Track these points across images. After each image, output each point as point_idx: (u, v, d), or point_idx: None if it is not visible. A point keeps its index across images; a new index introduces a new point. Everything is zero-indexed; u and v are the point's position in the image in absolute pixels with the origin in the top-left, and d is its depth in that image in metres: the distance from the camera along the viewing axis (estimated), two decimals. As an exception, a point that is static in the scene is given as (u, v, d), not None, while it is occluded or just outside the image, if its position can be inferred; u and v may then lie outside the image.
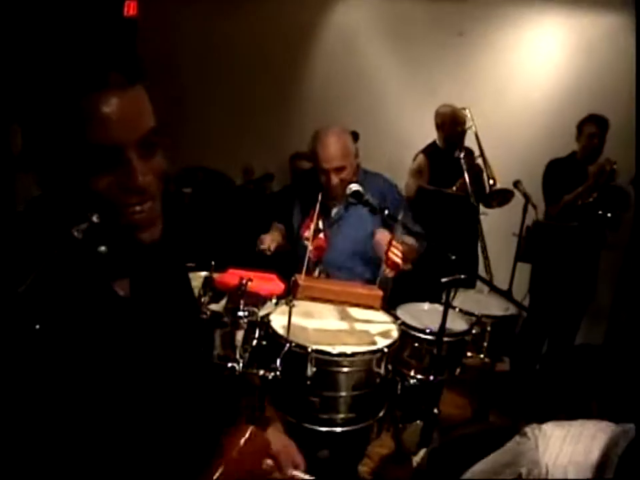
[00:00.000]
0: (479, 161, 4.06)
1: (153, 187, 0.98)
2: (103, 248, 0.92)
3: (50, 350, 0.90)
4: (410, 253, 2.63)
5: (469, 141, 4.18)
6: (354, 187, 2.44)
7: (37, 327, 0.84)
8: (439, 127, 4.29)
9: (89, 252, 0.92)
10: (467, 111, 4.13)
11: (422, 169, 4.27)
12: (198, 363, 1.27)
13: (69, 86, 0.90)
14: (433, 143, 4.35)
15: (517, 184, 3.79)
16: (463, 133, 4.18)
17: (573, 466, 1.12)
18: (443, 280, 2.24)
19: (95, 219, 0.89)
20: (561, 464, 1.13)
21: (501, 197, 3.87)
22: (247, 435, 1.20)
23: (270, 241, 2.81)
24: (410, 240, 2.69)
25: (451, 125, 4.21)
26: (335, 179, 2.70)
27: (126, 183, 0.94)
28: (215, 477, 1.10)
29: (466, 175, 3.89)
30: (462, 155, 4.04)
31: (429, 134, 4.35)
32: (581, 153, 3.96)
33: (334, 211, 2.86)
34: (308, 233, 2.80)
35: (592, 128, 3.90)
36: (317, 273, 2.83)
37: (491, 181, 3.86)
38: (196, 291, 2.29)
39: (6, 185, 4.00)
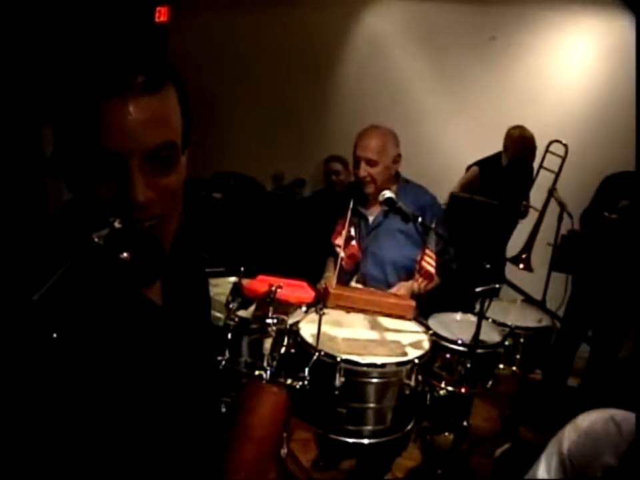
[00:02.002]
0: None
1: (156, 207, 0.93)
2: (125, 254, 0.86)
3: (74, 358, 0.86)
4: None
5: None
6: (387, 193, 2.41)
7: (55, 335, 0.80)
8: (506, 147, 4.20)
9: (110, 258, 0.87)
10: (562, 145, 3.75)
11: (474, 182, 4.20)
12: (212, 369, 1.24)
13: (86, 87, 0.87)
14: (494, 157, 4.26)
15: (552, 192, 3.71)
16: (529, 157, 4.07)
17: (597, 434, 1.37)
18: (478, 289, 2.19)
19: (116, 224, 0.85)
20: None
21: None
22: (271, 403, 1.15)
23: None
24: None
25: (516, 148, 4.12)
26: (364, 171, 2.72)
27: (125, 195, 0.89)
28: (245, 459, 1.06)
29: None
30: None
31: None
32: None
33: (371, 218, 2.83)
34: (339, 240, 2.76)
35: None
36: (353, 282, 2.78)
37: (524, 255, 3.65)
38: (224, 297, 2.27)
39: (36, 187, 4.04)
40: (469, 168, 4.29)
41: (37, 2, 4.58)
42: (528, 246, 3.58)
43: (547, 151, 3.78)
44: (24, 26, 4.51)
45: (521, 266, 3.51)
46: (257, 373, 2.10)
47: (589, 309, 3.77)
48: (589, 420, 1.40)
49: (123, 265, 0.87)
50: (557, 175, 3.69)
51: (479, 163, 4.24)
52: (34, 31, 4.54)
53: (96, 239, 0.83)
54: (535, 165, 3.92)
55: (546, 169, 3.77)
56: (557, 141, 3.75)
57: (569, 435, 1.41)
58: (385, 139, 2.76)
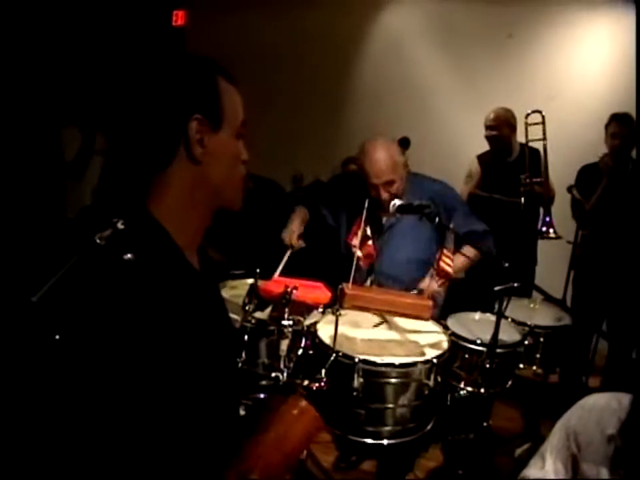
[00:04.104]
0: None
1: None
2: (129, 255, 0.85)
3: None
4: (465, 265, 2.66)
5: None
6: (397, 202, 2.42)
7: (57, 337, 0.78)
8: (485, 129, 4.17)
9: (113, 259, 0.85)
10: (540, 116, 3.82)
11: (472, 173, 4.17)
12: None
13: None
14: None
15: (571, 189, 3.68)
16: (502, 137, 4.04)
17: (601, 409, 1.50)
18: (496, 288, 2.17)
19: (119, 225, 0.85)
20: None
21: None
22: (297, 410, 1.11)
23: (290, 238, 2.75)
24: (470, 252, 2.66)
25: (489, 127, 4.08)
26: (384, 194, 2.63)
27: None
28: (257, 453, 1.03)
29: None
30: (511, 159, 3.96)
31: (479, 138, 4.25)
32: (609, 155, 3.78)
33: (384, 218, 2.80)
34: (355, 241, 2.73)
35: (614, 127, 3.75)
36: (368, 282, 2.76)
37: (545, 228, 3.61)
38: (241, 299, 2.27)
39: (56, 191, 4.07)
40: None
41: (55, 6, 4.63)
42: (546, 216, 3.57)
43: (526, 124, 3.84)
44: (43, 30, 4.56)
45: (551, 233, 3.49)
46: (273, 374, 2.10)
47: (597, 303, 3.73)
48: (592, 398, 1.55)
49: (126, 266, 0.85)
50: (544, 139, 3.76)
51: (479, 155, 4.23)
52: (52, 34, 4.59)
53: (98, 240, 0.82)
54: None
55: (533, 140, 3.88)
56: (536, 111, 3.78)
57: (574, 412, 1.54)
58: (390, 153, 2.64)
